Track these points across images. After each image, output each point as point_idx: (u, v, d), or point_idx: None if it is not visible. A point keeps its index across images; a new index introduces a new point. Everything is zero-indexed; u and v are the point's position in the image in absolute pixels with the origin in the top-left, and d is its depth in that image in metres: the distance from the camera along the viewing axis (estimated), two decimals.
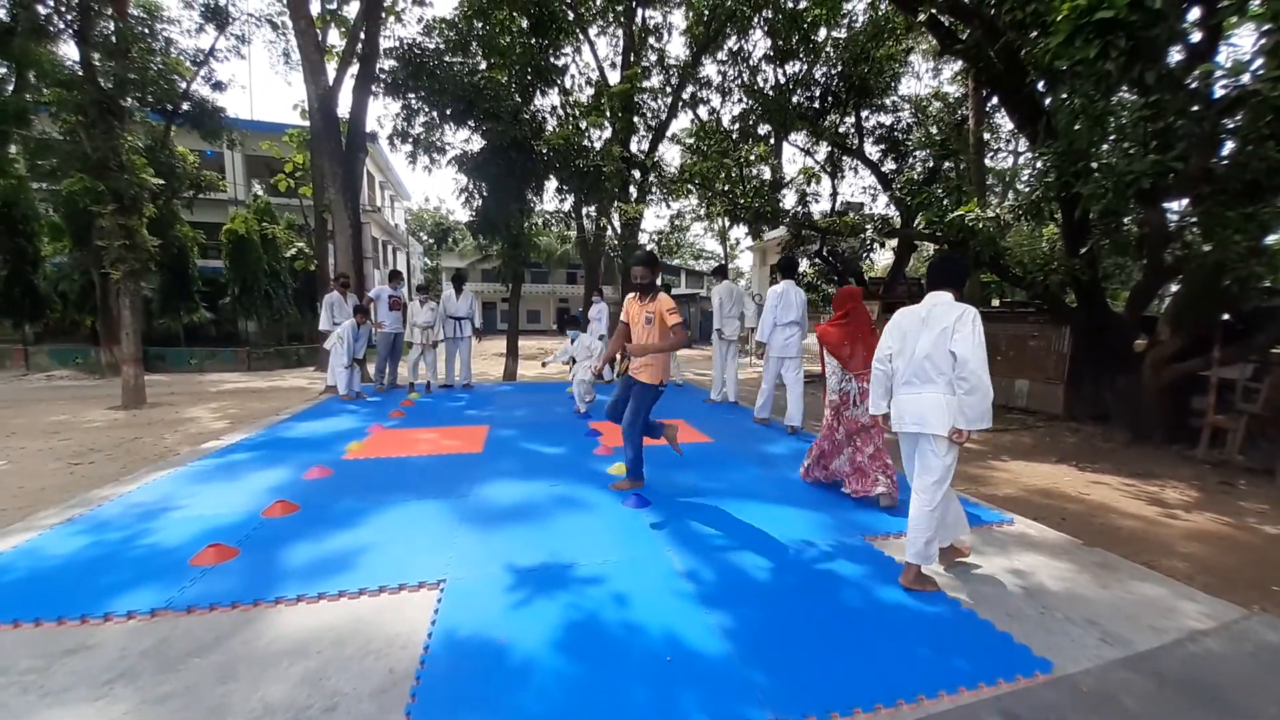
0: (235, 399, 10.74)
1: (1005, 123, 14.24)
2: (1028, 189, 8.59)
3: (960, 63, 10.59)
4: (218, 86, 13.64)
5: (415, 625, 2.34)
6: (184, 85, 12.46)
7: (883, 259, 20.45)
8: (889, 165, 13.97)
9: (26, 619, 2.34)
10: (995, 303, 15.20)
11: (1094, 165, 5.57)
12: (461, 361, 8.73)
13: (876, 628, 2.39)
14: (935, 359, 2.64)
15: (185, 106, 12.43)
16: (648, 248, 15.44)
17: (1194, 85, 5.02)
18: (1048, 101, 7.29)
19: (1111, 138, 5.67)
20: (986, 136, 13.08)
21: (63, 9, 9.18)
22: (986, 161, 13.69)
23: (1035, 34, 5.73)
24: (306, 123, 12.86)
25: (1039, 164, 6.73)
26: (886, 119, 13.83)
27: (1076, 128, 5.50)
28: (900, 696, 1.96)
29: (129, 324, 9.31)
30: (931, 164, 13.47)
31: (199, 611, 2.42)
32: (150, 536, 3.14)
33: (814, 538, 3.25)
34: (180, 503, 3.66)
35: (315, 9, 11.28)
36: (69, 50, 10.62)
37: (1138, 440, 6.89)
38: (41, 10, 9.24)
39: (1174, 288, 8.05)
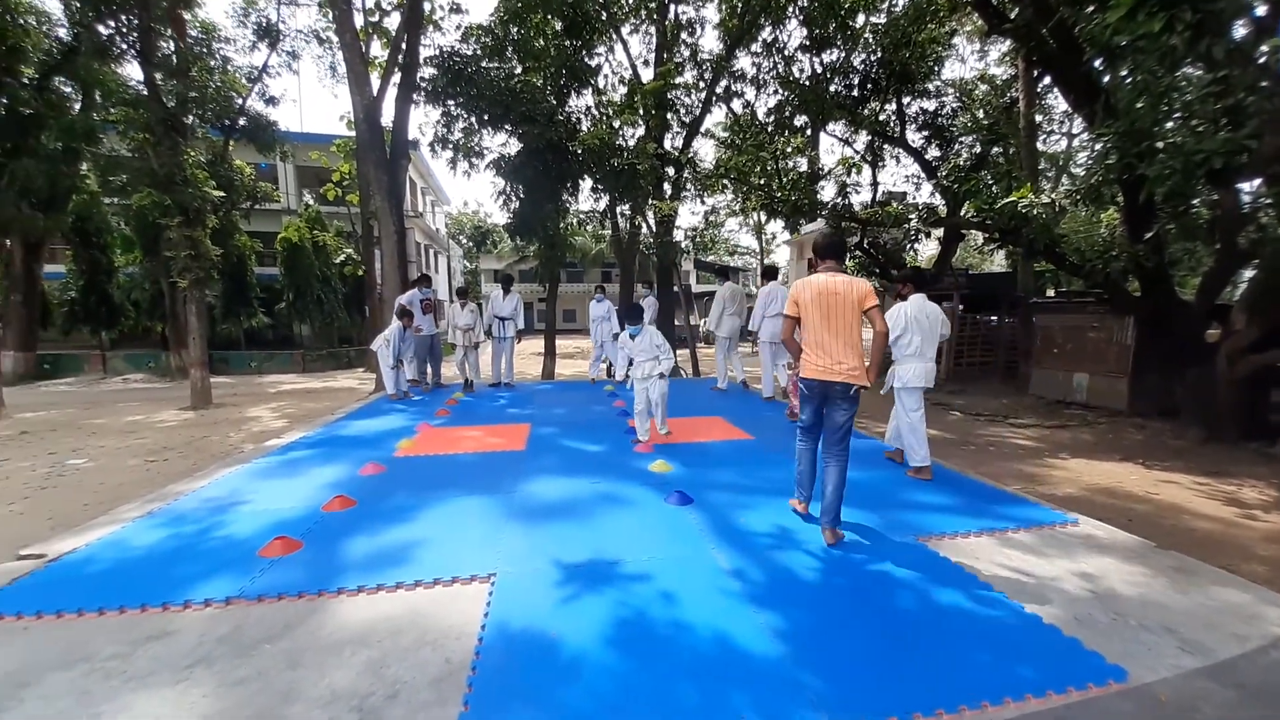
0: (292, 399, 11.26)
1: (1058, 103, 13.60)
2: (1085, 172, 8.13)
3: (1009, 43, 10.14)
4: (271, 101, 14.30)
5: (469, 617, 2.41)
6: (240, 101, 13.12)
7: (927, 249, 19.76)
8: (933, 152, 13.49)
9: (111, 607, 2.51)
10: (1050, 292, 14.50)
11: (1159, 145, 5.24)
12: (505, 361, 8.88)
13: (933, 631, 2.32)
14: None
15: (242, 121, 13.09)
16: (683, 244, 15.36)
17: (1263, 60, 4.67)
18: (1106, 79, 6.90)
19: (1177, 116, 5.32)
20: (1038, 119, 12.49)
21: (124, 30, 9.76)
22: (1038, 145, 13.07)
23: (1092, 9, 5.43)
24: (352, 133, 13.35)
25: (1098, 145, 6.38)
26: (930, 104, 13.34)
27: (1139, 106, 5.18)
28: (962, 702, 1.90)
29: (195, 329, 9.89)
30: (979, 149, 12.94)
31: (269, 600, 2.55)
32: (222, 529, 3.33)
33: (863, 538, 3.18)
34: (248, 497, 3.86)
35: (359, 21, 11.67)
36: (132, 71, 11.34)
37: (1211, 437, 6.47)
38: (103, 31, 9.82)
39: (1249, 274, 7.52)
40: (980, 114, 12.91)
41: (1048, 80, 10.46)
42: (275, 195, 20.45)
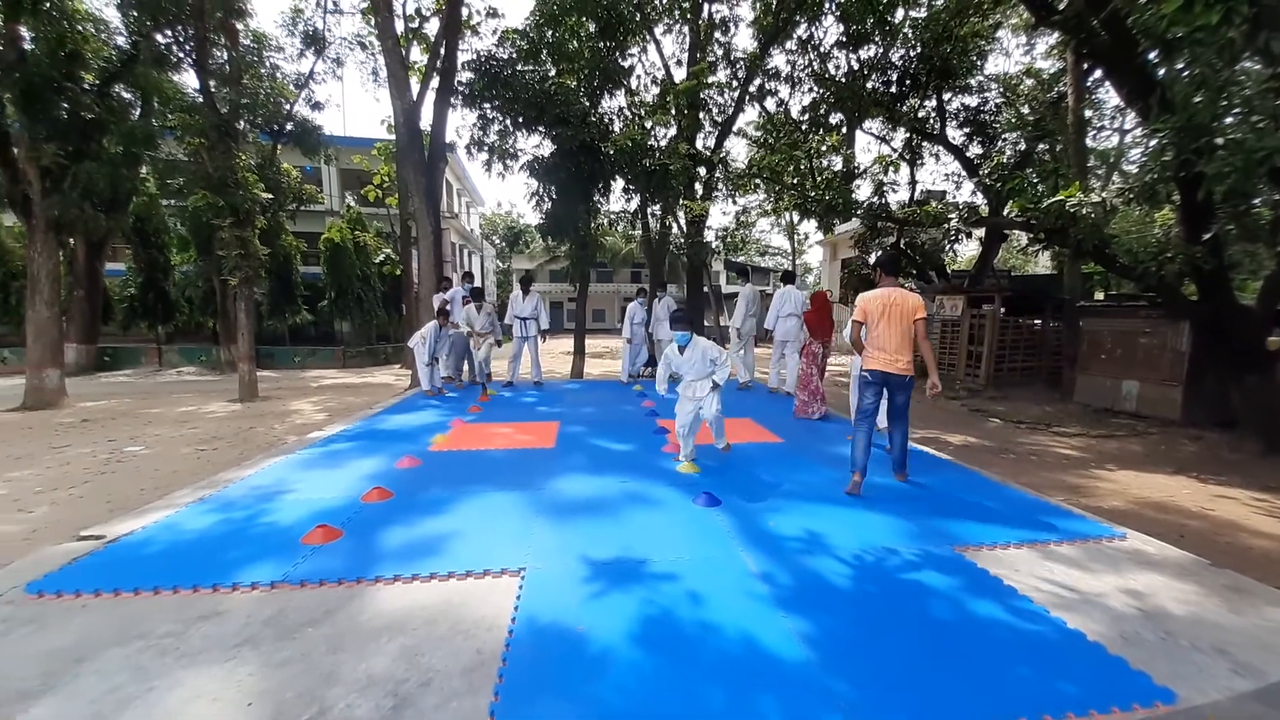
0: (332, 393, 11.66)
1: (1109, 98, 13.01)
2: (1139, 169, 7.75)
3: (1057, 35, 9.75)
4: (316, 106, 14.83)
5: (499, 610, 2.46)
6: (288, 107, 13.64)
7: (967, 250, 19.18)
8: (975, 150, 13.10)
9: (166, 587, 2.65)
10: (1099, 296, 13.89)
11: (1218, 141, 4.97)
12: (531, 359, 8.98)
13: (970, 643, 2.26)
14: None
15: (289, 126, 13.61)
16: (714, 245, 15.30)
17: None
18: (1161, 73, 6.58)
19: (1237, 111, 5.04)
20: (1088, 114, 11.98)
21: (180, 39, 10.25)
22: (1088, 141, 12.53)
23: (1146, 0, 5.18)
24: (392, 136, 13.72)
25: (1153, 141, 6.09)
26: (971, 100, 12.96)
27: (1197, 100, 4.92)
28: (998, 718, 1.85)
29: (244, 325, 10.34)
30: (1023, 146, 12.50)
31: (310, 586, 2.66)
32: (268, 516, 3.48)
33: (897, 545, 3.12)
34: (291, 486, 4.03)
35: (399, 28, 12.00)
36: (188, 78, 11.90)
37: (1271, 450, 6.10)
38: (161, 40, 10.32)
39: None
40: (1025, 109, 12.47)
41: (1098, 74, 10.02)
42: (319, 197, 21.19)
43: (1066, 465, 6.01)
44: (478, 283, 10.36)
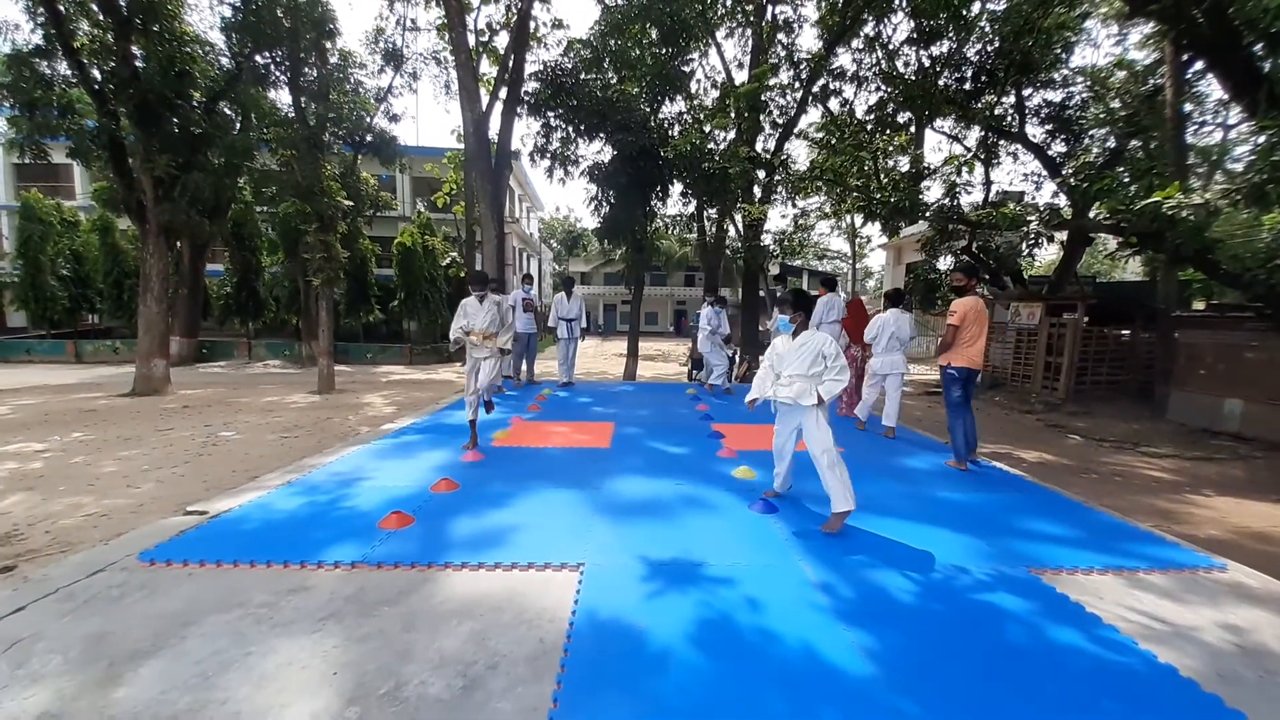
0: (401, 388, 12.30)
1: (1212, 91, 11.90)
2: (1245, 168, 7.04)
3: (1153, 25, 9.03)
4: (394, 118, 15.80)
5: (560, 602, 2.55)
6: (369, 119, 14.53)
7: (1046, 255, 18.01)
8: (1057, 148, 12.31)
9: (260, 560, 2.90)
10: (1200, 305, 12.71)
11: None
12: (569, 360, 9.06)
13: (1049, 672, 2.15)
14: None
15: (369, 138, 14.51)
16: (771, 248, 15.08)
17: None
18: (1268, 66, 5.98)
19: None
20: (1188, 108, 11.01)
21: (277, 60, 11.12)
22: (1187, 138, 11.52)
23: None
24: (461, 145, 14.34)
25: (1261, 138, 5.55)
26: (1054, 95, 12.21)
27: None
28: None
29: (325, 323, 11.08)
30: (1113, 144, 11.65)
31: (386, 568, 2.84)
32: (348, 501, 3.74)
33: (967, 564, 2.99)
34: (368, 474, 4.30)
35: (470, 42, 12.55)
36: (282, 95, 12.87)
37: None
38: (259, 60, 11.22)
39: None
40: (1116, 104, 11.60)
41: (1199, 66, 9.19)
42: (393, 204, 22.42)
43: (1157, 488, 5.55)
44: (535, 285, 10.54)
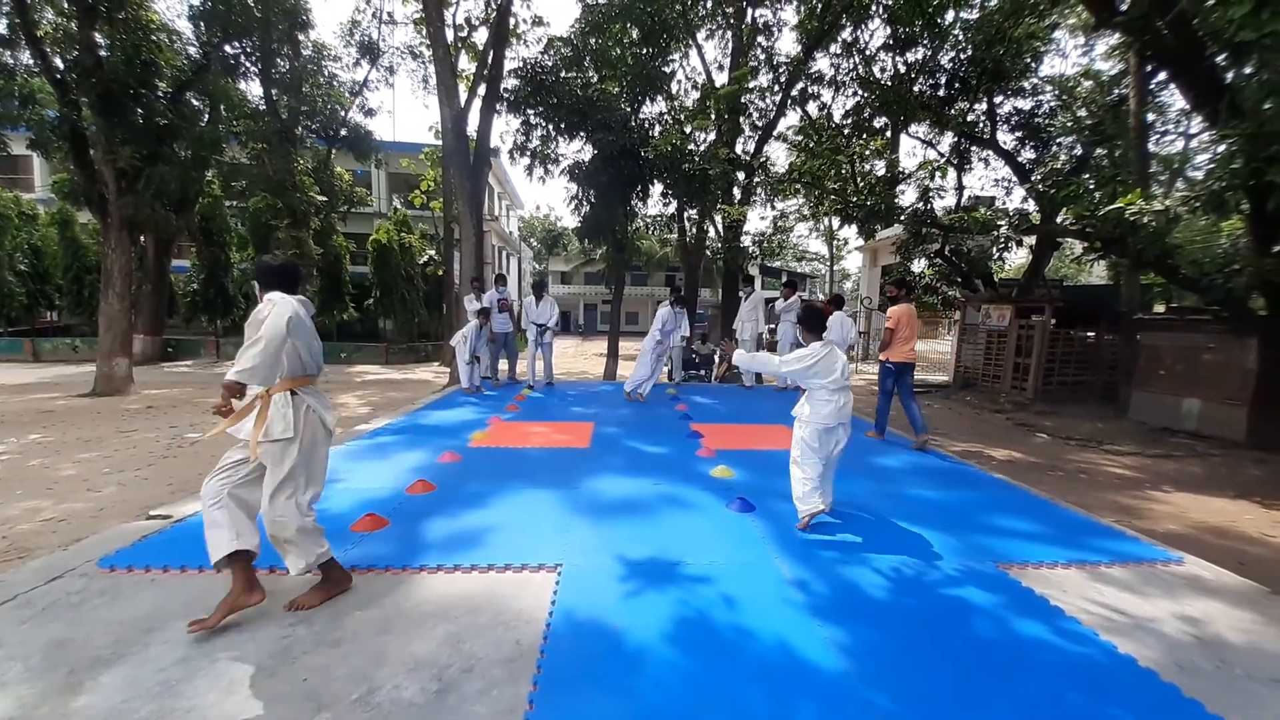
0: (376, 388, 12.08)
1: (1174, 101, 12.36)
2: (1206, 176, 7.34)
3: (1118, 36, 9.34)
4: (369, 113, 15.49)
5: (538, 603, 2.53)
6: (343, 113, 14.25)
7: (1016, 258, 18.50)
8: (1027, 155, 12.66)
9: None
10: (1160, 309, 13.19)
11: None
12: (545, 362, 8.95)
13: (1016, 664, 2.20)
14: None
15: (343, 132, 14.23)
16: (751, 250, 15.19)
17: None
18: (1230, 77, 6.24)
19: None
20: (1150, 118, 11.42)
21: (248, 50, 10.85)
22: (1150, 146, 11.94)
23: (1213, 2, 4.95)
24: (439, 142, 14.16)
25: (1221, 148, 5.79)
26: (1024, 104, 12.53)
27: (1268, 106, 4.68)
28: None
29: None
30: (1080, 151, 12.01)
31: (360, 571, 2.79)
32: (319, 504, 3.64)
33: (937, 560, 3.06)
34: (340, 476, 4.21)
35: (449, 37, 12.39)
36: (253, 87, 12.56)
37: None
38: (229, 50, 10.92)
39: None
40: (1083, 113, 11.98)
41: (1163, 76, 9.55)
42: (368, 200, 22.00)
43: (1119, 485, 5.75)
44: (515, 284, 10.46)
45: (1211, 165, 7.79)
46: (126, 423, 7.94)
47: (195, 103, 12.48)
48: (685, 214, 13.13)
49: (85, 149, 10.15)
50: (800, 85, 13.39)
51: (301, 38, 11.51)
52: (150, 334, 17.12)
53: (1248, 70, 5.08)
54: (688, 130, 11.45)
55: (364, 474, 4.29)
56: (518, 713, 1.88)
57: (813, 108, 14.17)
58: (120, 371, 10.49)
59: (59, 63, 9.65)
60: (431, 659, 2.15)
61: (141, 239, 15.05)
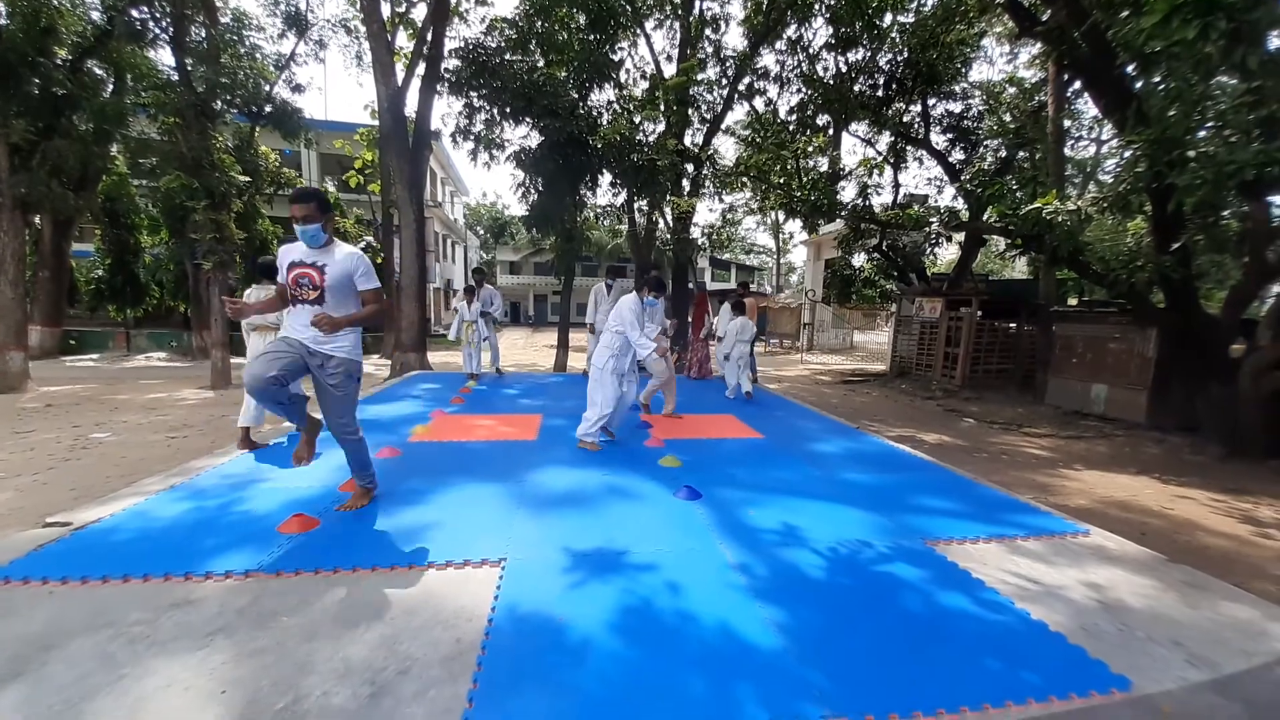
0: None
1: (1088, 109, 13.33)
2: (1114, 180, 7.98)
3: (1039, 46, 9.96)
4: (297, 89, 14.48)
5: (479, 600, 2.46)
6: (268, 88, 13.29)
7: (947, 254, 19.54)
8: (957, 155, 13.33)
9: (136, 575, 2.59)
10: (1073, 301, 14.27)
11: (1190, 154, 5.14)
12: (492, 351, 9.08)
13: (939, 634, 2.33)
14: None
15: (268, 108, 13.27)
16: (700, 242, 15.34)
17: None
18: (1138, 85, 6.77)
19: (1210, 125, 5.22)
20: (1067, 124, 12.26)
21: (157, 15, 9.93)
22: (1066, 150, 12.84)
23: (1126, 13, 5.34)
24: (376, 122, 13.48)
25: (1128, 153, 6.28)
26: (955, 107, 13.18)
27: (1171, 114, 5.10)
28: (964, 703, 1.92)
29: (218, 311, 10.09)
30: (1004, 154, 12.76)
31: (286, 575, 2.62)
32: (242, 505, 3.43)
33: (871, 539, 3.19)
34: (266, 476, 3.97)
35: (385, 12, 11.77)
36: (164, 56, 11.52)
37: (1231, 454, 6.35)
38: (136, 15, 9.97)
39: (1277, 289, 7.36)
40: (1007, 117, 12.72)
41: (1078, 85, 10.26)
42: (297, 181, 20.69)
43: (1036, 465, 6.19)
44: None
45: (1119, 169, 8.46)
46: (23, 423, 7.19)
47: (98, 72, 11.33)
48: (635, 204, 13.08)
49: None
50: (747, 80, 13.55)
51: (220, 4, 10.63)
52: (49, 325, 15.53)
53: (1155, 79, 5.51)
54: (637, 120, 11.38)
55: (292, 473, 4.04)
56: (456, 713, 1.82)
57: (759, 103, 14.40)
58: (14, 366, 9.48)
59: None
60: (364, 663, 2.06)
61: (36, 221, 13.63)
